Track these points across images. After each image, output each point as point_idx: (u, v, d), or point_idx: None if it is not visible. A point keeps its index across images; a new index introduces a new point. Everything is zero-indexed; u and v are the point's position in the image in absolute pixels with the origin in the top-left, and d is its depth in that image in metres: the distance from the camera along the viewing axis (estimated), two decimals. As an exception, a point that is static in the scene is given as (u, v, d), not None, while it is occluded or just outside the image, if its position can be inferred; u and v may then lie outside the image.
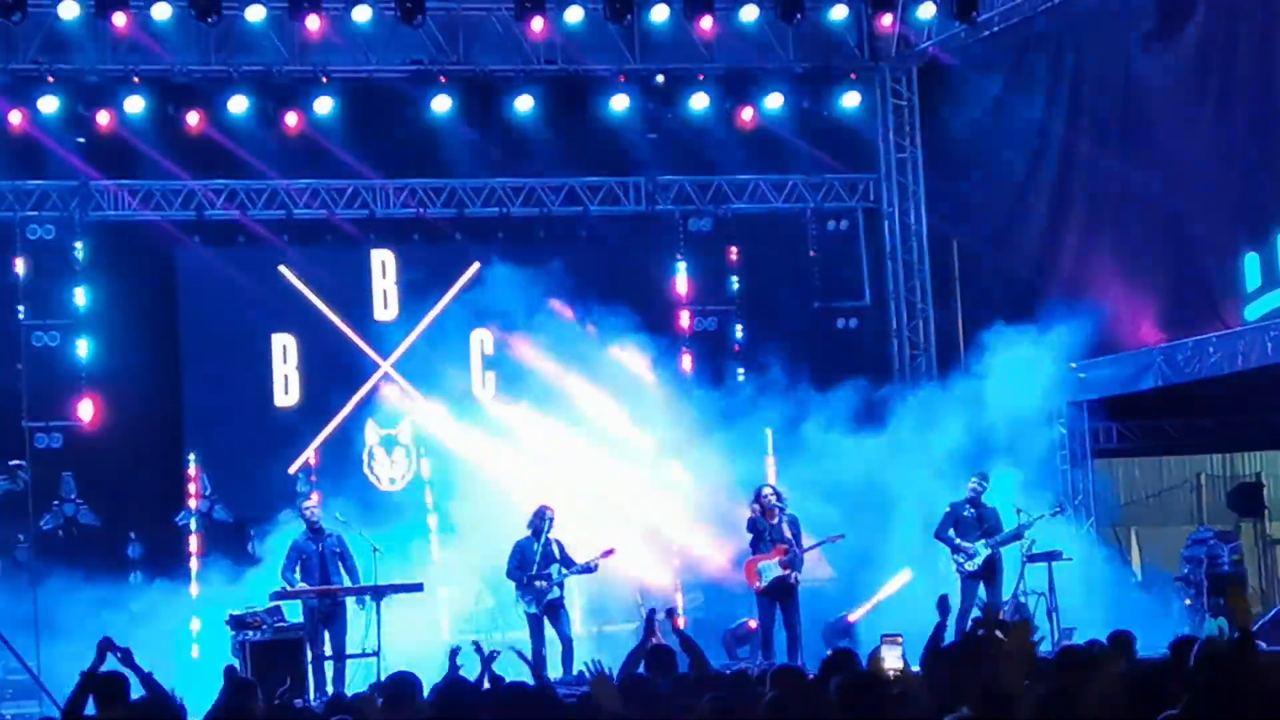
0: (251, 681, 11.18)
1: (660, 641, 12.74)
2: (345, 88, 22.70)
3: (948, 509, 20.59)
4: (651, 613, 14.35)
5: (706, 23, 22.95)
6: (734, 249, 24.28)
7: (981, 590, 20.19)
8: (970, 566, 20.27)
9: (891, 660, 11.34)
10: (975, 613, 18.94)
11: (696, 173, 24.20)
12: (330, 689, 18.44)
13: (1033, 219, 22.87)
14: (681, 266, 24.18)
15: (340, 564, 19.51)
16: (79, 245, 22.60)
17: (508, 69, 23.27)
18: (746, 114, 23.74)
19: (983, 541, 20.26)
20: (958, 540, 20.33)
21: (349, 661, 19.13)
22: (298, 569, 19.49)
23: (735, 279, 24.28)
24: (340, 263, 23.28)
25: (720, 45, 23.67)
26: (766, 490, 20.43)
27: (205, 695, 11.20)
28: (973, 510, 20.42)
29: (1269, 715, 7.50)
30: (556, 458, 22.58)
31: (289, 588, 19.39)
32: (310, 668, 18.87)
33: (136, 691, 10.41)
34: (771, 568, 19.96)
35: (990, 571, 20.26)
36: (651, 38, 23.40)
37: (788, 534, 20.00)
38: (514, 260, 23.21)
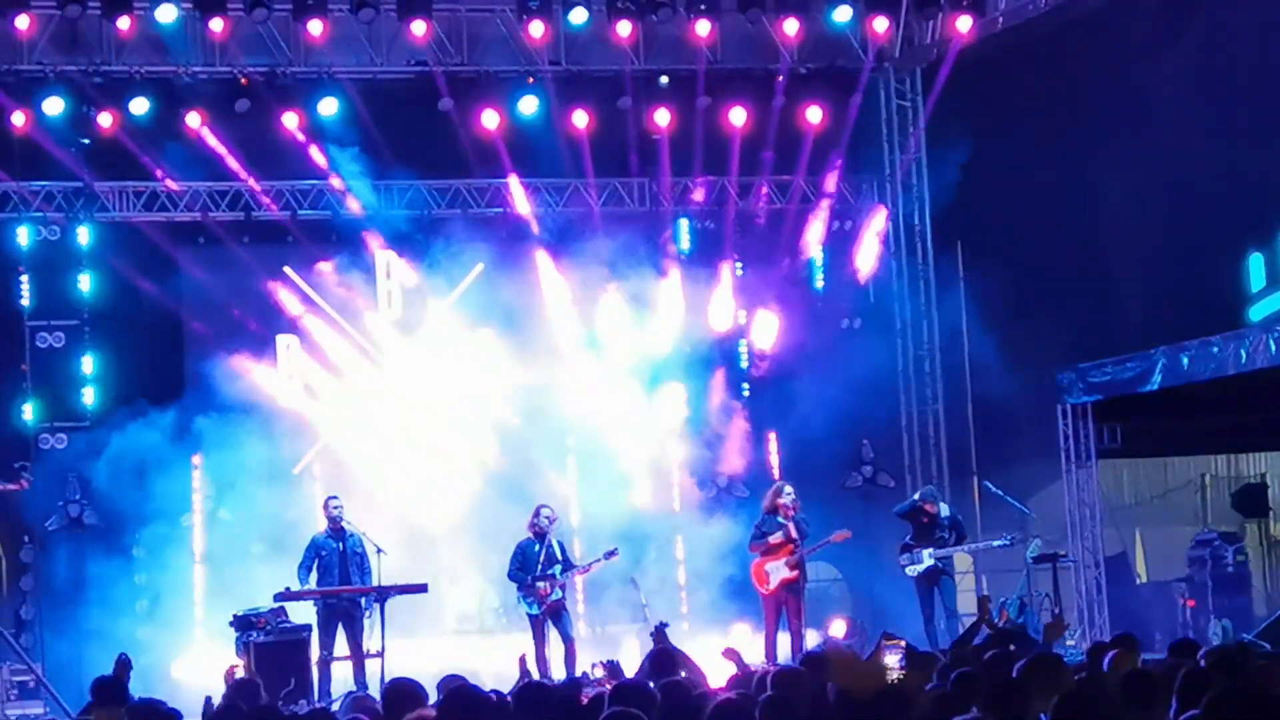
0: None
1: (665, 648, 12.77)
2: (349, 89, 22.71)
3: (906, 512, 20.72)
4: (661, 625, 14.50)
5: (707, 25, 23.01)
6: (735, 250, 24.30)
7: (936, 593, 20.34)
8: (912, 571, 20.47)
9: (891, 662, 11.34)
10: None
11: (700, 173, 24.18)
12: (355, 688, 18.28)
13: (1036, 219, 22.86)
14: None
15: (359, 566, 19.51)
16: (83, 246, 22.63)
17: (511, 69, 23.29)
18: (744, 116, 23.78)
19: (929, 550, 20.32)
20: (909, 540, 20.41)
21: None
22: (315, 567, 19.50)
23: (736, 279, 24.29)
24: (344, 263, 23.26)
25: (724, 46, 23.69)
26: (787, 489, 20.35)
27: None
28: (928, 517, 20.47)
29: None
30: (560, 455, 22.63)
31: (301, 585, 19.34)
32: (316, 669, 18.87)
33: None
34: (779, 569, 19.92)
35: (937, 575, 20.34)
36: (655, 39, 23.41)
37: (795, 535, 19.95)
38: (517, 260, 23.27)
